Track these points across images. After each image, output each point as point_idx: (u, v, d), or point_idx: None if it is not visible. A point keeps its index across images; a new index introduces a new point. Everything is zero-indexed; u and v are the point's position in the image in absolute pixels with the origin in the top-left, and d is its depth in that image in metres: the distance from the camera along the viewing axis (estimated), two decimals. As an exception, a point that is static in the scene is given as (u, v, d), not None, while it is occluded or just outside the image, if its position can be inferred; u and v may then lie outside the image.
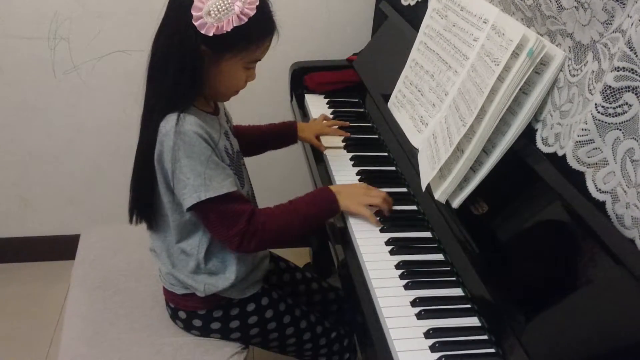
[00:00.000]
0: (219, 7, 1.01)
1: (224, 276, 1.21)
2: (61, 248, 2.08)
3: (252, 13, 1.03)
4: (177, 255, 1.21)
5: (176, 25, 1.05)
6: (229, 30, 1.02)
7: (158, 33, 1.10)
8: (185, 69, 1.06)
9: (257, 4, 1.04)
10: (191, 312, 1.26)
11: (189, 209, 1.10)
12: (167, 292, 1.28)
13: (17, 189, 2.08)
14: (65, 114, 1.97)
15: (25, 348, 1.84)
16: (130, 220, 1.21)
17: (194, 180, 1.07)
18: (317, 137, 1.53)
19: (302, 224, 1.18)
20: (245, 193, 1.25)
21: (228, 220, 1.11)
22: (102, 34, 1.86)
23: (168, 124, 1.07)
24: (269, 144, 1.52)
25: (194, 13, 1.01)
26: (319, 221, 1.23)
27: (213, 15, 1.01)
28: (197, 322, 1.27)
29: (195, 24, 1.02)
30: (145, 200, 1.17)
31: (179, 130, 1.06)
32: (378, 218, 1.21)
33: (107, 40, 1.87)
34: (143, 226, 1.23)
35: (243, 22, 1.03)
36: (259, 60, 1.14)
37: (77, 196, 2.13)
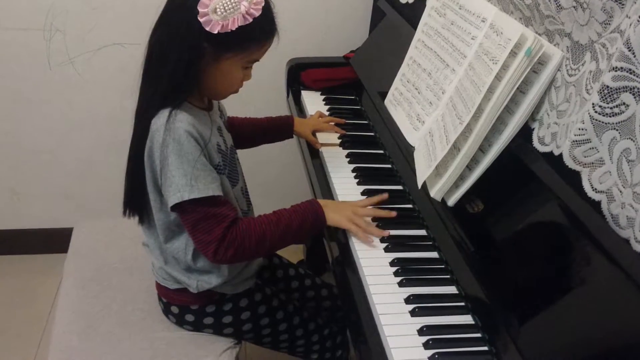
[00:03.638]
0: (225, 5, 1.01)
1: (218, 273, 1.20)
2: (54, 241, 2.07)
3: (257, 14, 1.03)
4: (168, 253, 1.21)
5: (179, 20, 1.04)
6: (233, 29, 1.02)
7: (156, 27, 1.09)
8: (184, 64, 1.05)
9: (263, 4, 1.04)
10: (184, 307, 1.26)
11: (172, 209, 1.09)
12: (159, 287, 1.28)
13: (10, 182, 2.07)
14: (59, 107, 1.96)
15: (17, 341, 1.84)
16: (124, 214, 1.20)
17: (179, 179, 1.05)
18: (313, 134, 1.52)
19: (284, 236, 1.14)
20: (239, 189, 1.24)
21: (207, 224, 1.08)
22: (98, 27, 1.85)
23: (159, 120, 1.06)
24: (264, 137, 1.51)
25: (201, 9, 1.00)
26: (303, 234, 1.16)
27: (219, 13, 1.01)
28: (189, 317, 1.26)
29: (201, 20, 1.01)
30: (138, 194, 1.16)
31: (170, 127, 1.05)
32: (375, 223, 1.20)
33: (103, 32, 1.86)
34: (136, 220, 1.22)
35: (248, 22, 1.03)
36: (258, 60, 1.13)
37: (70, 189, 2.11)
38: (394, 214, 1.19)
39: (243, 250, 1.11)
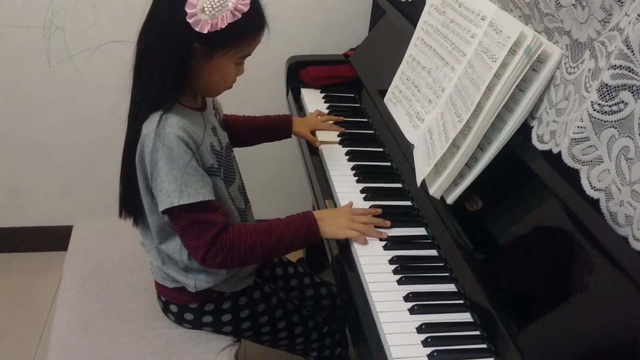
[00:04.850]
0: (213, 3, 0.99)
1: (216, 272, 1.20)
2: (53, 239, 2.07)
3: (245, 9, 1.02)
4: (165, 253, 1.20)
5: (167, 22, 1.03)
6: (223, 27, 1.01)
7: (143, 30, 1.07)
8: (175, 66, 1.04)
9: None
10: (183, 305, 1.26)
11: (163, 213, 1.09)
12: (158, 286, 1.28)
13: (10, 180, 2.07)
14: (59, 104, 1.96)
15: (16, 339, 1.84)
16: (120, 215, 1.20)
17: (168, 185, 1.05)
18: (312, 132, 1.52)
19: (276, 247, 1.13)
20: (236, 187, 1.24)
21: (197, 229, 1.08)
22: (97, 24, 1.85)
23: (150, 124, 1.05)
24: (262, 137, 1.50)
25: (188, 10, 0.99)
26: (295, 245, 1.16)
27: (207, 12, 1.00)
28: (188, 316, 1.26)
29: (190, 21, 1.00)
30: (131, 197, 1.15)
31: (160, 132, 1.04)
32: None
33: (103, 30, 1.86)
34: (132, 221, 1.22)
35: (237, 19, 1.02)
36: (250, 55, 1.13)
37: (69, 187, 2.12)
38: (388, 223, 1.19)
39: (232, 257, 1.10)
